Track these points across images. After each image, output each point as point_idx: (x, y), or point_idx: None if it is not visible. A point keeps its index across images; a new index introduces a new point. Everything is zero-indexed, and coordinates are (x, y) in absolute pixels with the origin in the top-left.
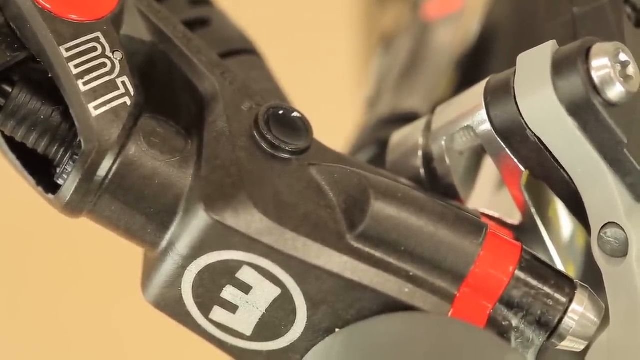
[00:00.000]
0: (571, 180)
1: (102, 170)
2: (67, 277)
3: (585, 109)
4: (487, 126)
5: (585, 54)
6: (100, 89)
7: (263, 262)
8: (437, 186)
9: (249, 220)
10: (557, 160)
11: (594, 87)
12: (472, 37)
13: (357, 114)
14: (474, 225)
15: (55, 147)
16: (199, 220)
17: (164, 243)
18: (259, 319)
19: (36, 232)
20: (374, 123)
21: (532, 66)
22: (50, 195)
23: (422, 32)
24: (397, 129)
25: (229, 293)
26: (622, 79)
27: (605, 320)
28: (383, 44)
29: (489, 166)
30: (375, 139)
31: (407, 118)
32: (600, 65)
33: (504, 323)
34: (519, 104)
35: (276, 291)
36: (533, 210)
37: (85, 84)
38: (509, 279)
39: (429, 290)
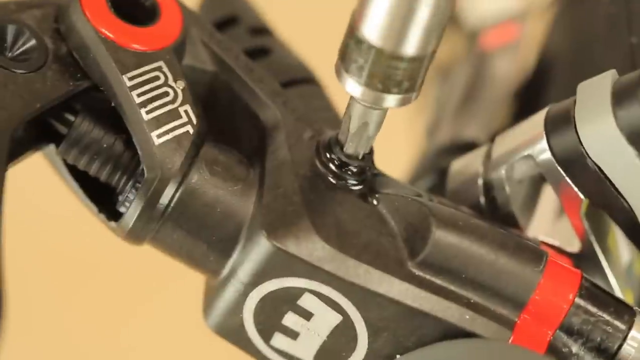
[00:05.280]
0: (631, 208)
1: (164, 198)
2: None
3: None
4: (547, 155)
5: None
6: (162, 117)
7: (325, 289)
8: (497, 214)
9: (311, 247)
10: (617, 189)
11: None
12: (530, 66)
13: (416, 143)
14: (534, 253)
15: (118, 175)
16: (261, 247)
17: (225, 270)
18: (320, 345)
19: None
20: (433, 152)
21: (593, 95)
22: (112, 223)
23: (479, 62)
24: (457, 157)
25: (290, 320)
26: None
27: None
28: (441, 73)
29: (548, 195)
30: (435, 168)
31: (467, 147)
32: None
33: (564, 350)
34: (579, 133)
35: (337, 318)
36: (592, 238)
37: (148, 112)
38: (569, 306)
39: (489, 317)
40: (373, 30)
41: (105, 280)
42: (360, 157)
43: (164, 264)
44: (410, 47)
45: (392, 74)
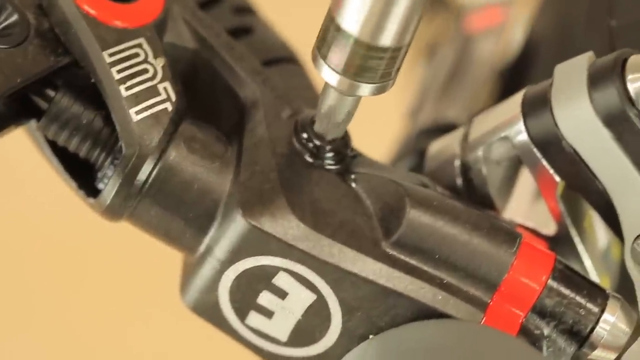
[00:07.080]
0: (606, 190)
1: (142, 175)
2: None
3: (620, 120)
4: (523, 137)
5: (622, 66)
6: (142, 94)
7: (299, 268)
8: (474, 196)
9: (286, 226)
10: (592, 171)
11: (629, 98)
12: (515, 49)
13: (399, 123)
14: (508, 234)
15: (97, 152)
16: (237, 225)
17: (202, 248)
18: (295, 324)
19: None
20: (415, 133)
21: (569, 77)
22: (91, 199)
23: (464, 44)
24: (437, 138)
25: (265, 298)
26: None
27: (637, 330)
28: (426, 55)
29: (525, 176)
30: (417, 149)
31: (449, 128)
32: (636, 77)
33: (536, 332)
34: (555, 115)
35: (312, 297)
36: (568, 220)
37: (127, 89)
38: (542, 288)
39: (462, 298)
40: (352, 19)
41: (107, 279)
42: (333, 139)
43: (165, 263)
44: (389, 37)
45: (369, 63)
